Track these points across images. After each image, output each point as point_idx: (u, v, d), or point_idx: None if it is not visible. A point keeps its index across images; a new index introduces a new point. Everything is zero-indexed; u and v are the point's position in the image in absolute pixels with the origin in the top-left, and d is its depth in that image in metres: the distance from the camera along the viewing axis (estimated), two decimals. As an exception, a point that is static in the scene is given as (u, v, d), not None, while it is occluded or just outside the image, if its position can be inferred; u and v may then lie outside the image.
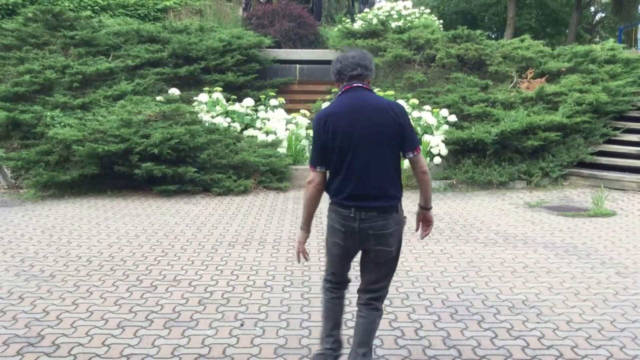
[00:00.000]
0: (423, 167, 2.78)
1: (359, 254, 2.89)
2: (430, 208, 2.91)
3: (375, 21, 12.67)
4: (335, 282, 2.96)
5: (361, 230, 2.71)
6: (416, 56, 11.12)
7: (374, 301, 2.84)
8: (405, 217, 2.84)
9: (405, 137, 2.72)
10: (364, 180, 2.70)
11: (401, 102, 9.56)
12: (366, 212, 2.70)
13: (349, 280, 3.00)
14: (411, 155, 2.75)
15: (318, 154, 2.77)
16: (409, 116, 2.76)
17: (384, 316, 3.71)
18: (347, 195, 2.73)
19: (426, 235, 2.99)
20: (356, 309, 2.91)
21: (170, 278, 4.56)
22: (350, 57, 2.80)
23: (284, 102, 10.56)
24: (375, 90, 10.13)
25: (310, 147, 9.21)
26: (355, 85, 2.77)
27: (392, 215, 2.73)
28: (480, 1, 28.74)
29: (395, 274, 4.61)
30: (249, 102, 9.95)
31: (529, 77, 10.70)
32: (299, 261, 2.98)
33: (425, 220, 2.94)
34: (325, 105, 10.23)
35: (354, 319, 3.70)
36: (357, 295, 2.93)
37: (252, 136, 9.29)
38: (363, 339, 2.80)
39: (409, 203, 7.66)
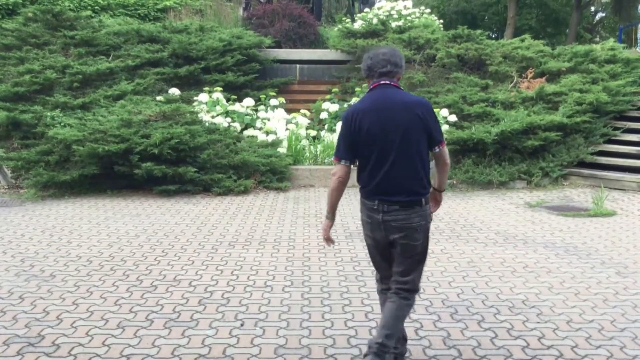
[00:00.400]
0: (446, 160, 2.95)
1: None
2: (443, 190, 3.07)
3: (375, 21, 12.66)
4: (384, 280, 3.05)
5: (385, 222, 2.82)
6: (416, 56, 11.13)
7: (403, 291, 2.90)
8: (431, 211, 2.94)
9: (431, 135, 2.84)
10: (388, 175, 2.81)
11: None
12: (389, 205, 2.81)
13: None
14: (437, 150, 2.90)
15: (344, 147, 2.90)
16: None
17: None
18: (372, 188, 2.85)
19: (433, 211, 3.09)
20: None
21: (170, 278, 4.56)
22: (381, 54, 2.91)
23: (284, 102, 10.56)
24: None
25: (310, 144, 9.28)
26: (382, 82, 2.89)
27: (414, 209, 2.82)
28: (480, 1, 28.72)
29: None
30: (249, 102, 9.96)
31: (529, 77, 10.69)
32: (328, 245, 3.13)
33: (435, 200, 3.08)
34: (325, 104, 10.30)
35: (351, 321, 3.70)
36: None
37: (252, 136, 9.29)
38: (388, 322, 2.85)
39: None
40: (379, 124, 2.79)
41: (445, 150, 2.93)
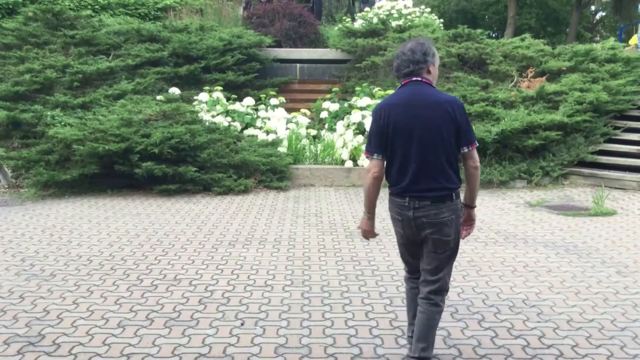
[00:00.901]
0: (476, 163, 2.85)
1: None
2: (475, 207, 2.97)
3: (375, 20, 12.67)
4: (412, 272, 3.06)
5: (416, 219, 2.81)
6: (416, 55, 11.10)
7: (433, 295, 2.88)
8: (462, 206, 2.91)
9: (460, 133, 2.79)
10: (416, 171, 2.79)
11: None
12: (419, 201, 2.79)
13: None
14: (465, 150, 2.82)
15: (374, 142, 2.85)
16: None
17: (384, 315, 3.72)
18: (402, 185, 2.83)
19: (468, 234, 3.02)
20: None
21: (170, 277, 4.56)
22: (403, 53, 2.86)
23: (285, 101, 10.56)
24: (376, 89, 10.15)
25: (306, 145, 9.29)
26: (414, 79, 2.86)
27: (445, 204, 2.80)
28: (481, 0, 28.74)
29: (395, 273, 4.61)
30: (249, 101, 9.96)
31: (529, 76, 10.69)
32: (370, 238, 3.06)
33: (468, 218, 2.99)
34: (325, 104, 10.29)
35: (351, 320, 3.70)
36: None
37: (253, 135, 9.29)
38: (421, 334, 2.87)
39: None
40: (407, 120, 2.78)
41: (475, 152, 2.83)
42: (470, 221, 2.99)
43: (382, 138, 2.83)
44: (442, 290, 2.91)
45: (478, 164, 2.86)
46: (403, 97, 2.85)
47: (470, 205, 2.96)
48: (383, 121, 2.82)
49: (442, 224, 2.79)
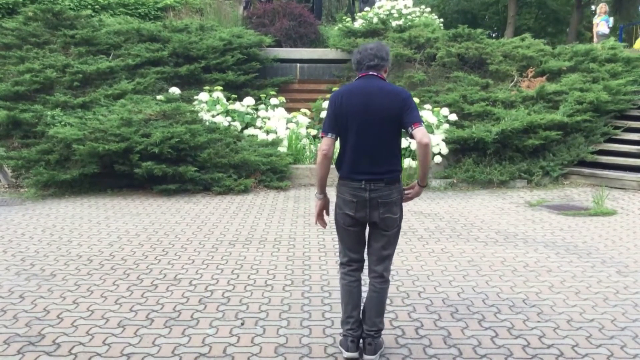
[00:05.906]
0: (423, 139, 2.89)
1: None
2: (424, 185, 3.13)
3: (375, 20, 12.67)
4: (354, 261, 3.24)
5: (371, 200, 3.01)
6: (417, 55, 11.12)
7: (386, 273, 3.21)
8: (404, 188, 3.15)
9: (405, 114, 2.93)
10: (367, 156, 2.99)
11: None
12: (375, 183, 2.99)
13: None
14: (411, 130, 2.92)
15: (330, 123, 3.05)
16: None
17: (384, 315, 3.72)
18: (358, 169, 3.02)
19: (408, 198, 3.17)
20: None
21: (170, 277, 4.56)
22: (369, 48, 3.08)
23: (285, 101, 10.56)
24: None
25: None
26: (370, 73, 3.06)
27: (395, 185, 3.03)
28: (481, 0, 28.75)
29: (395, 273, 4.62)
30: (249, 101, 9.95)
31: (529, 76, 10.70)
32: (324, 226, 3.25)
33: (415, 193, 3.16)
34: (325, 104, 10.29)
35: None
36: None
37: (253, 135, 9.29)
38: (379, 310, 3.18)
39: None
40: (363, 107, 2.97)
41: (421, 130, 2.90)
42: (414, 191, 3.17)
43: (337, 121, 3.01)
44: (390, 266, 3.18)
45: (426, 140, 2.90)
46: (359, 86, 3.03)
47: (420, 184, 3.12)
48: (339, 107, 3.00)
49: (392, 203, 3.02)
